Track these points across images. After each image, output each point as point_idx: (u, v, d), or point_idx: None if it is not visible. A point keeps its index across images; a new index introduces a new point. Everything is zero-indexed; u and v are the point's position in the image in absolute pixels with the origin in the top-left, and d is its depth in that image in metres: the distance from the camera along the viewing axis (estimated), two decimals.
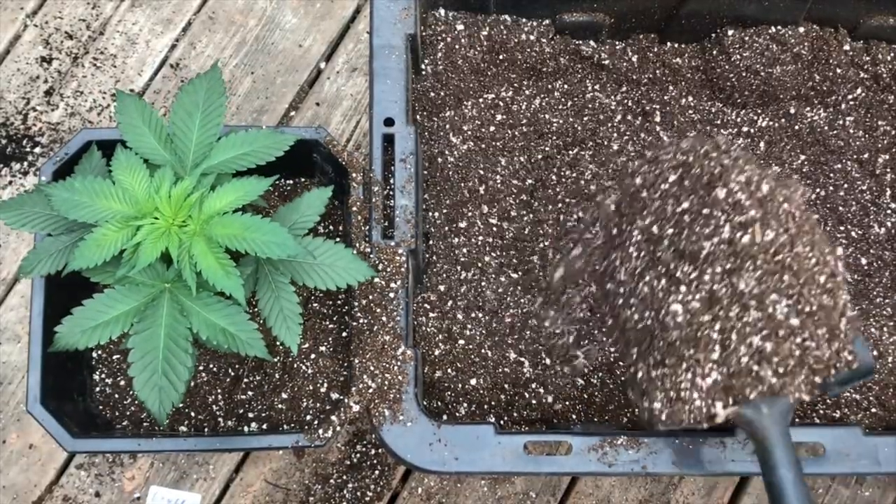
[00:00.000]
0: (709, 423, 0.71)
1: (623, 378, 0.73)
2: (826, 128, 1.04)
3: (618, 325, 0.76)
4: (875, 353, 0.94)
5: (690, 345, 0.69)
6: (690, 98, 1.06)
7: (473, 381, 0.93)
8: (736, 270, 0.69)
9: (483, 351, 0.94)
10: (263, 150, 0.86)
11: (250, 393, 0.96)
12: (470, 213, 1.00)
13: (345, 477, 1.07)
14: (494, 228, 1.00)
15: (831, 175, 1.03)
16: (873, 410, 0.93)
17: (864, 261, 1.01)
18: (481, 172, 1.01)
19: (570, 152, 1.03)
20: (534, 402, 0.93)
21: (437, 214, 0.99)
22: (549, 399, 0.93)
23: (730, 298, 0.69)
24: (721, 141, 0.75)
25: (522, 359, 0.95)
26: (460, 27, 1.02)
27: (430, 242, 0.99)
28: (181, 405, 0.95)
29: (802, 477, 0.68)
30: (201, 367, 0.96)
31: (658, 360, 0.71)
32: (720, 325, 0.69)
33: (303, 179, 1.04)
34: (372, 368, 0.83)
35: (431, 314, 0.95)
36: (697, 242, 0.70)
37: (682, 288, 0.70)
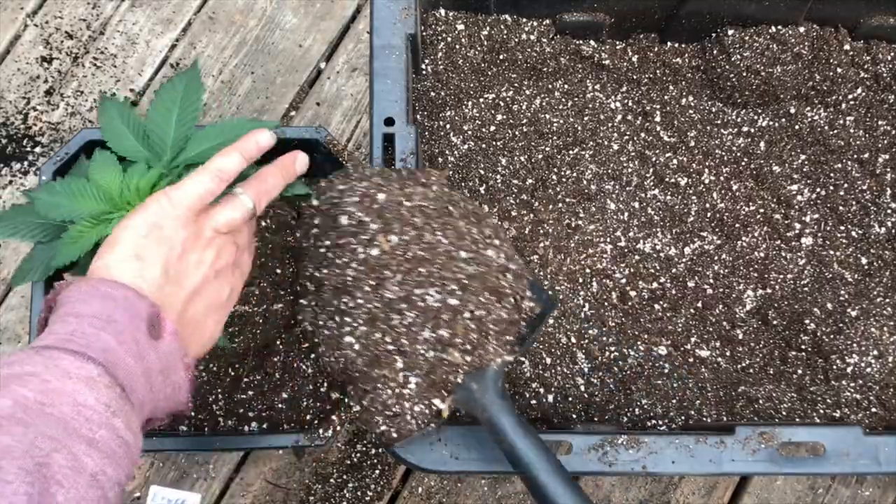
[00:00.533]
0: (438, 420, 0.74)
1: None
2: (826, 127, 1.04)
3: (332, 373, 0.79)
4: (875, 352, 0.94)
5: (374, 366, 0.72)
6: (691, 98, 1.06)
7: None
8: (380, 284, 0.72)
9: None
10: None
11: (250, 393, 0.96)
12: None
13: (345, 476, 1.07)
14: None
15: (831, 175, 1.03)
16: (873, 410, 0.93)
17: (864, 260, 1.01)
18: (482, 172, 1.01)
19: (571, 152, 1.03)
20: (534, 401, 0.93)
21: None
22: (550, 398, 0.93)
23: (385, 311, 0.71)
24: (351, 168, 0.78)
25: (522, 358, 0.95)
26: (461, 27, 1.02)
27: None
28: None
29: (533, 435, 0.71)
30: (201, 367, 0.96)
31: (362, 389, 0.74)
32: (390, 337, 0.72)
33: (303, 179, 1.04)
34: None
35: None
36: (343, 273, 0.72)
37: (347, 318, 0.73)
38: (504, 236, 0.79)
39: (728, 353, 0.97)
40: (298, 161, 0.73)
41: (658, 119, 1.05)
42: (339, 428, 0.86)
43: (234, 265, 0.69)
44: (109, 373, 0.53)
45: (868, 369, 0.93)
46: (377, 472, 1.07)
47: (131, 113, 0.85)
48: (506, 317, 0.75)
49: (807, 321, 0.96)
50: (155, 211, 0.62)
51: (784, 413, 0.92)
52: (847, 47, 1.04)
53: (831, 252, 1.01)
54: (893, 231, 1.02)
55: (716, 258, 1.00)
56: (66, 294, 0.57)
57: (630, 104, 1.06)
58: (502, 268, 0.76)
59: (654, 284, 0.99)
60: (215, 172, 0.66)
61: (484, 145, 1.02)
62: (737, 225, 1.01)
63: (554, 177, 1.01)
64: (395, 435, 0.74)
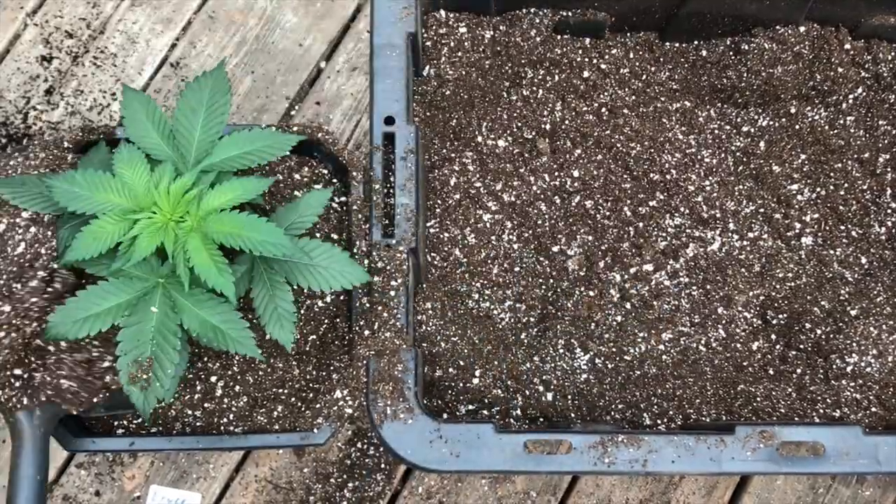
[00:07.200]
0: None
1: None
2: (827, 127, 1.04)
3: None
4: (875, 352, 0.94)
5: None
6: (691, 97, 1.06)
7: (474, 380, 0.93)
8: None
9: (484, 350, 0.94)
10: (265, 150, 0.86)
11: (250, 392, 0.96)
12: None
13: (345, 476, 1.07)
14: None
15: (832, 174, 1.03)
16: (873, 410, 0.93)
17: (864, 260, 1.01)
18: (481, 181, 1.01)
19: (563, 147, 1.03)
20: (534, 400, 0.93)
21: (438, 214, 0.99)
22: (550, 397, 0.93)
23: None
24: None
25: (523, 357, 0.95)
26: (462, 30, 1.02)
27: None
28: (180, 405, 0.95)
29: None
30: (200, 366, 0.96)
31: None
32: None
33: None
34: (373, 367, 0.83)
35: (432, 313, 0.95)
36: None
37: None
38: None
39: (728, 353, 0.97)
40: None
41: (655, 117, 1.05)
42: (339, 427, 0.86)
43: None
44: None
45: (868, 369, 0.93)
46: (377, 471, 1.07)
47: (157, 107, 0.85)
48: None
49: (807, 321, 0.96)
50: None
51: (784, 412, 0.92)
52: (848, 47, 1.04)
53: (831, 252, 1.01)
54: (893, 231, 1.02)
55: (716, 258, 1.00)
56: None
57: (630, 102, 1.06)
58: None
59: (654, 284, 0.99)
60: None
61: (485, 149, 1.02)
62: (737, 224, 1.01)
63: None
64: None
